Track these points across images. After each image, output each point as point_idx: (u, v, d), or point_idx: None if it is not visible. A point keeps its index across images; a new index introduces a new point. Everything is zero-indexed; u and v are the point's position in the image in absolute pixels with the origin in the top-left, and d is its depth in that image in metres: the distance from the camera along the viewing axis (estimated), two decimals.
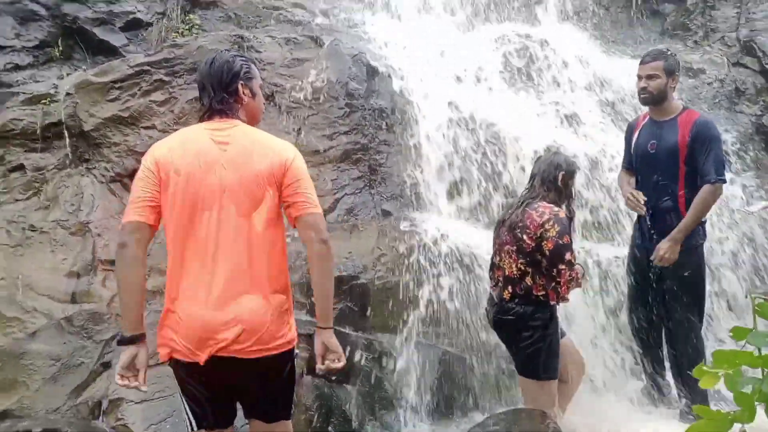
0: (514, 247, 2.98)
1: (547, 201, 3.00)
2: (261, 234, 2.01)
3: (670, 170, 3.41)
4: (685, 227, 3.33)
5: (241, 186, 2.01)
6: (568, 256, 2.87)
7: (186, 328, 1.97)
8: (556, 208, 2.96)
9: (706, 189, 3.30)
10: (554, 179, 3.04)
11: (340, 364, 2.10)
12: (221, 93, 2.11)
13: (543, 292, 2.95)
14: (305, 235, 2.06)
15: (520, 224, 2.96)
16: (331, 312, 2.11)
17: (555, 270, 2.89)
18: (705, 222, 3.53)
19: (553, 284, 2.93)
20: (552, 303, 2.97)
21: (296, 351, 2.16)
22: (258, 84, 2.23)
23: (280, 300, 2.05)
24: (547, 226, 2.88)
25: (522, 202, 3.06)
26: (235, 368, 1.99)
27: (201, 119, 2.16)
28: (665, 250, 3.34)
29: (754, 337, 0.83)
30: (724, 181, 3.37)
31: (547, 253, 2.88)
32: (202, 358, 1.96)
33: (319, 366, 2.11)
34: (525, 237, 2.93)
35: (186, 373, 2.04)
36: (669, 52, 3.61)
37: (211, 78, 2.12)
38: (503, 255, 3.06)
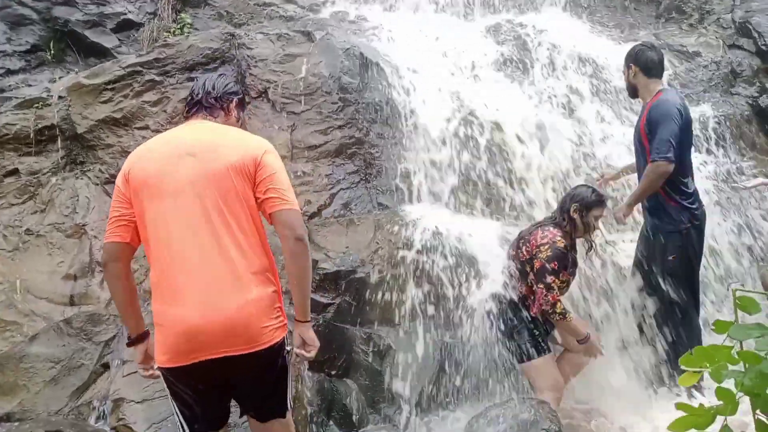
0: (513, 253, 3.42)
1: (559, 228, 3.31)
2: (236, 227, 1.99)
3: (642, 153, 3.61)
4: (633, 198, 3.64)
5: (210, 180, 1.99)
6: (549, 279, 3.16)
7: (169, 333, 1.96)
8: (559, 237, 3.25)
9: (648, 167, 3.47)
10: (567, 210, 3.35)
11: (310, 355, 2.14)
12: (213, 95, 2.19)
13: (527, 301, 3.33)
14: (280, 232, 2.04)
15: (526, 237, 3.36)
16: (307, 307, 2.12)
17: (535, 287, 3.22)
18: (694, 207, 3.57)
19: (532, 298, 3.27)
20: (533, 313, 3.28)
21: (288, 346, 2.11)
22: (242, 121, 2.34)
23: (263, 293, 1.99)
24: (542, 248, 3.22)
25: (539, 223, 3.45)
26: (222, 367, 1.96)
27: (185, 115, 2.21)
28: (618, 211, 3.69)
29: (736, 331, 0.83)
30: (668, 160, 3.40)
31: (534, 269, 3.23)
32: (187, 361, 1.95)
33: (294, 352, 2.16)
34: (524, 249, 3.33)
35: (173, 376, 2.03)
36: (633, 47, 3.81)
37: (213, 81, 2.23)
38: (509, 260, 3.47)
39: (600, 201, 3.41)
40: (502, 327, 3.38)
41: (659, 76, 3.70)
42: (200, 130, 2.13)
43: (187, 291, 1.95)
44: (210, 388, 2.04)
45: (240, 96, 2.31)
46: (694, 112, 5.21)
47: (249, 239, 2.01)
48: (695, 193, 3.64)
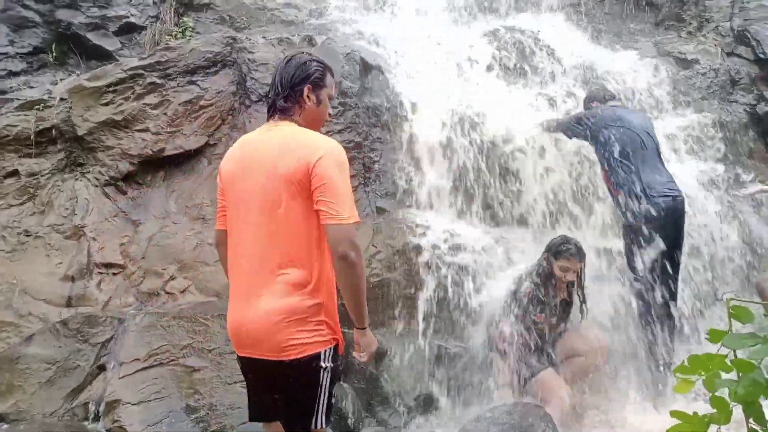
0: None
1: (535, 273, 3.55)
2: (284, 239, 1.99)
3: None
4: None
5: (265, 187, 2.01)
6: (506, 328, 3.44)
7: (229, 322, 2.11)
8: (526, 284, 3.54)
9: None
10: (542, 256, 3.57)
11: (363, 358, 2.16)
12: (283, 94, 2.11)
13: None
14: (329, 246, 2.00)
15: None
16: (361, 315, 2.07)
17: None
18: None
19: None
20: None
21: (325, 363, 2.00)
22: (328, 93, 2.21)
23: (298, 305, 1.97)
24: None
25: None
26: (256, 365, 2.04)
27: (267, 117, 2.20)
28: None
29: (730, 340, 0.83)
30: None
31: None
32: (237, 352, 2.10)
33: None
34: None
35: (240, 363, 2.16)
36: None
37: (281, 76, 2.14)
38: None
39: (561, 252, 3.49)
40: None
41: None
42: (268, 137, 2.10)
43: (236, 292, 2.08)
44: (255, 380, 2.12)
45: (313, 78, 2.14)
46: (693, 119, 5.24)
47: (295, 252, 1.99)
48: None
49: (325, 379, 2.00)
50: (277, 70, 2.18)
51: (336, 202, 1.94)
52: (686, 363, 0.85)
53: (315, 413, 2.02)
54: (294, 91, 2.11)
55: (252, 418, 2.17)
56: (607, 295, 3.88)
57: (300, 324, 1.96)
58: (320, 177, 1.95)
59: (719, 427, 0.82)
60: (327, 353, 2.01)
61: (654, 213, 3.76)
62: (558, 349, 3.59)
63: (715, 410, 0.81)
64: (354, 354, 2.19)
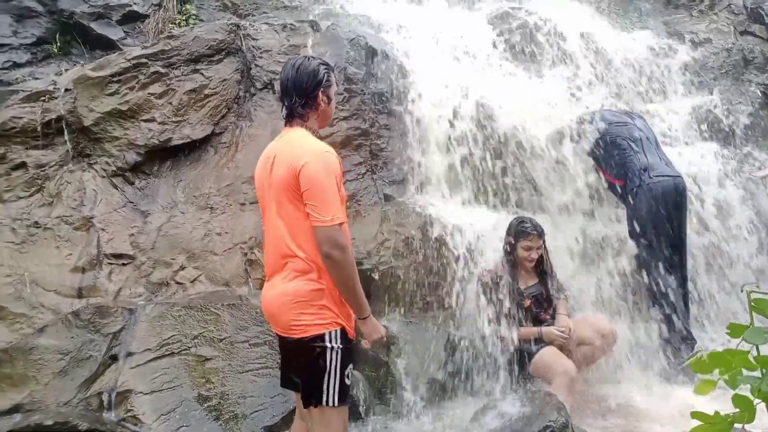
0: None
1: (504, 258, 3.68)
2: (293, 228, 2.23)
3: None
4: None
5: (274, 189, 2.27)
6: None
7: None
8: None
9: None
10: (505, 242, 3.68)
11: (368, 345, 2.38)
12: (303, 99, 2.31)
13: None
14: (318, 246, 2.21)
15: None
16: (358, 306, 2.26)
17: None
18: None
19: None
20: None
21: (331, 343, 2.17)
22: (334, 90, 2.43)
23: (302, 288, 2.20)
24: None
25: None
26: (280, 341, 2.35)
27: (285, 122, 2.40)
28: None
29: (752, 334, 0.80)
30: None
31: None
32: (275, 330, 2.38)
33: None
34: None
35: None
36: None
37: (294, 84, 2.32)
38: None
39: (521, 232, 3.58)
40: None
41: None
42: (278, 145, 2.33)
43: (267, 271, 2.39)
44: (281, 352, 2.42)
45: (324, 82, 2.34)
46: (705, 99, 5.16)
47: (297, 244, 2.23)
48: None
49: (334, 358, 2.18)
50: (286, 74, 2.35)
51: (318, 205, 2.15)
52: (705, 359, 0.82)
53: (325, 391, 2.18)
54: (309, 98, 2.32)
55: (282, 385, 2.46)
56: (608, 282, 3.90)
57: (303, 306, 2.19)
58: (305, 182, 2.16)
59: (743, 427, 0.79)
60: (333, 334, 2.20)
61: (655, 193, 3.79)
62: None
63: (737, 409, 0.79)
64: (362, 342, 2.37)
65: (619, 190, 4.12)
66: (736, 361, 0.78)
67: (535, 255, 3.59)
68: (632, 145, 4.05)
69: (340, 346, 2.19)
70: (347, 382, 2.22)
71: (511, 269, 3.62)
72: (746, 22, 5.75)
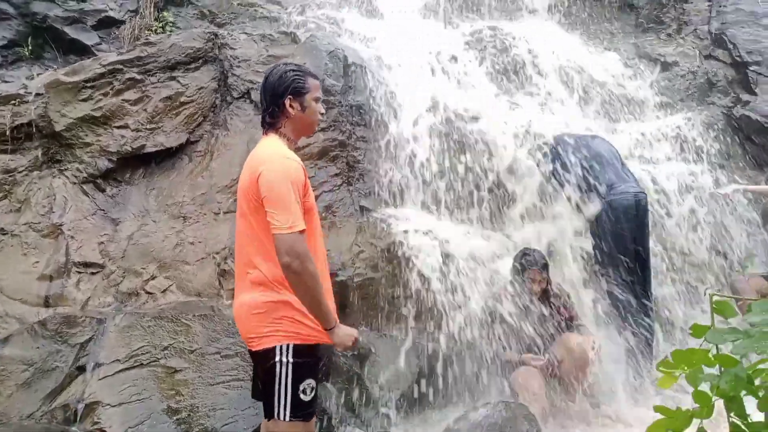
0: None
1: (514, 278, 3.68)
2: (251, 238, 2.21)
3: None
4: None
5: (239, 201, 2.26)
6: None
7: None
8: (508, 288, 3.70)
9: None
10: (510, 277, 3.73)
11: (340, 350, 2.48)
12: (270, 106, 2.28)
13: None
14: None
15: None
16: (321, 317, 2.15)
17: None
18: None
19: None
20: None
21: (284, 357, 2.11)
22: (312, 97, 2.32)
23: (260, 299, 2.16)
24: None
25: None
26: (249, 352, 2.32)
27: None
28: None
29: (713, 335, 0.84)
30: None
31: None
32: None
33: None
34: None
35: None
36: None
37: (265, 91, 2.30)
38: None
39: (524, 265, 3.62)
40: None
41: None
42: (251, 154, 2.30)
43: (236, 281, 2.37)
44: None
45: (292, 87, 2.27)
46: (672, 120, 5.33)
47: (260, 255, 2.18)
48: None
49: (283, 372, 2.11)
50: (262, 85, 2.33)
51: (275, 211, 2.07)
52: (669, 358, 0.86)
53: (276, 404, 2.12)
54: (277, 105, 2.26)
55: (252, 395, 2.45)
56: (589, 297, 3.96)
57: (259, 318, 2.16)
58: (263, 188, 2.11)
59: (701, 421, 0.83)
60: (284, 348, 2.13)
61: (617, 209, 3.91)
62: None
63: (697, 405, 0.83)
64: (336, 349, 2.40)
65: (582, 204, 4.23)
66: (696, 359, 0.82)
67: (537, 288, 3.62)
68: (593, 163, 4.18)
69: (291, 361, 2.11)
70: (303, 397, 2.12)
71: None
72: (710, 46, 5.99)
